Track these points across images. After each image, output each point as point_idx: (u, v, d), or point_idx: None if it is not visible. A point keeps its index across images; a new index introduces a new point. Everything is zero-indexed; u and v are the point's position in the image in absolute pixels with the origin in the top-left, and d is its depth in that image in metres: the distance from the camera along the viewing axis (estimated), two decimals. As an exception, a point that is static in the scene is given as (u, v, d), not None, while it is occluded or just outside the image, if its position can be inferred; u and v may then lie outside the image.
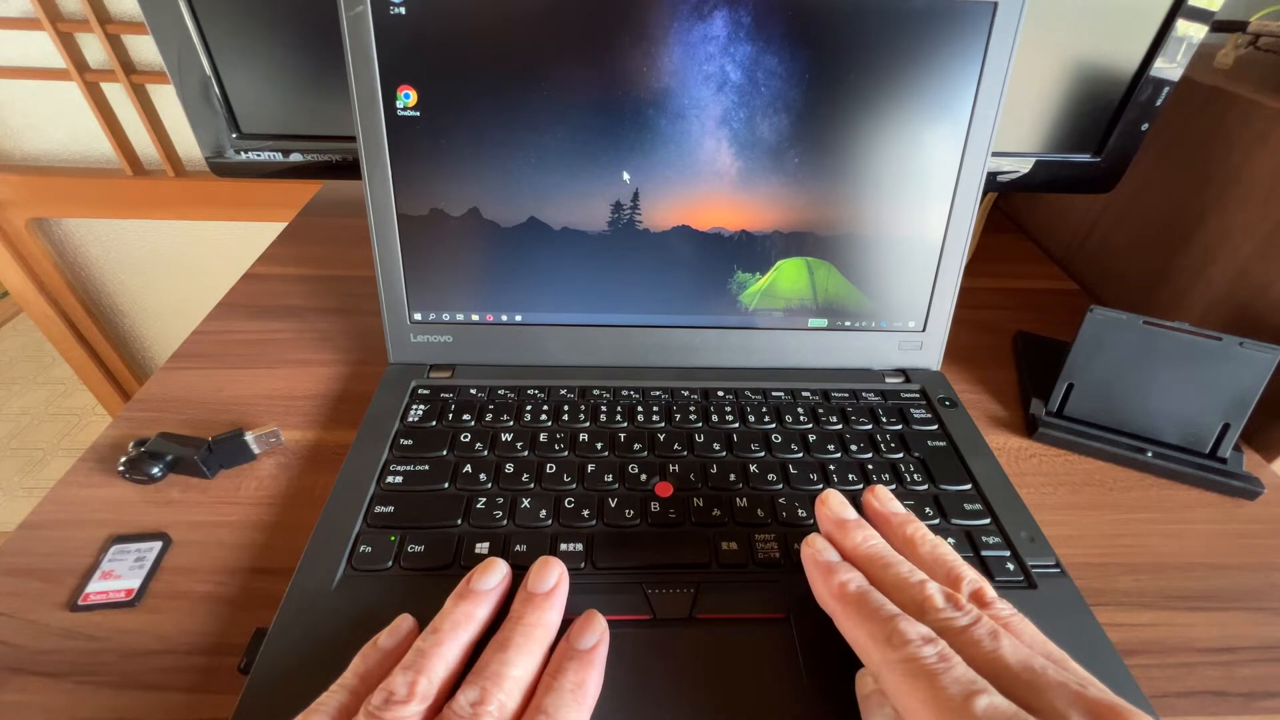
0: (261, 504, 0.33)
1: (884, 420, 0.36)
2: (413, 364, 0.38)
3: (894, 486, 0.32)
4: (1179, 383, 0.36)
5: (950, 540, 0.28)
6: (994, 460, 0.34)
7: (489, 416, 0.35)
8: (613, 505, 0.30)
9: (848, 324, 0.38)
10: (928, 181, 0.35)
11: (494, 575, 0.24)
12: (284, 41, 0.39)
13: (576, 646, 0.22)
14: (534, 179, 0.34)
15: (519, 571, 0.24)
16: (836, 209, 0.35)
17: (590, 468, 0.32)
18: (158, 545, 0.30)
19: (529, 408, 0.35)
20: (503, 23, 0.32)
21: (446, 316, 0.37)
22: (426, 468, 0.32)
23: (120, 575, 0.29)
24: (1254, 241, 0.41)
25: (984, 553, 0.29)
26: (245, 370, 0.41)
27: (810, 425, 0.35)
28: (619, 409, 0.35)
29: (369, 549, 0.28)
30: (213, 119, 0.41)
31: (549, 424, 0.34)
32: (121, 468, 0.33)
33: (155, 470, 0.33)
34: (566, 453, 0.33)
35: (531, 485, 0.31)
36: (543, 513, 0.30)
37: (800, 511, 0.30)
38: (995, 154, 0.42)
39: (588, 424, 0.34)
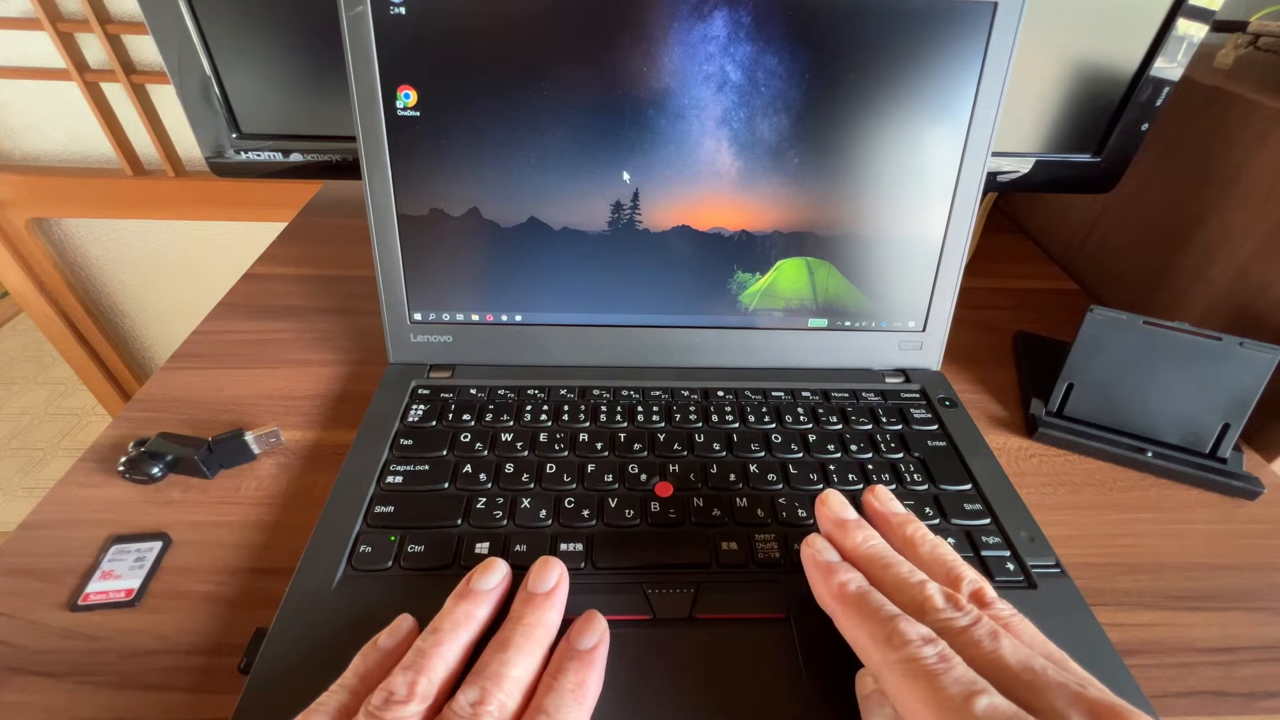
0: (261, 504, 0.33)
1: (884, 420, 0.36)
2: (413, 364, 0.38)
3: (894, 486, 0.32)
4: (1179, 383, 0.36)
5: (950, 540, 0.28)
6: (994, 460, 0.34)
7: (489, 416, 0.35)
8: (613, 505, 0.30)
9: (848, 324, 0.38)
10: (928, 181, 0.35)
11: (494, 575, 0.24)
12: (284, 41, 0.39)
13: (577, 646, 0.22)
14: (534, 179, 0.34)
15: (519, 571, 0.24)
16: (836, 209, 0.35)
17: (590, 468, 0.32)
18: (158, 545, 0.30)
19: (529, 408, 0.35)
20: (503, 23, 0.32)
21: (446, 316, 0.37)
22: (426, 468, 0.32)
23: (120, 575, 0.29)
24: (1254, 241, 0.41)
25: (984, 553, 0.29)
26: (245, 370, 0.41)
27: (810, 425, 0.35)
28: (619, 409, 0.35)
29: (369, 549, 0.28)
30: (213, 119, 0.41)
31: (549, 424, 0.34)
32: (121, 468, 0.33)
33: (155, 470, 0.33)
34: (566, 453, 0.33)
35: (531, 485, 0.31)
36: (543, 513, 0.30)
37: (800, 511, 0.30)
38: (995, 154, 0.42)
39: (588, 424, 0.34)
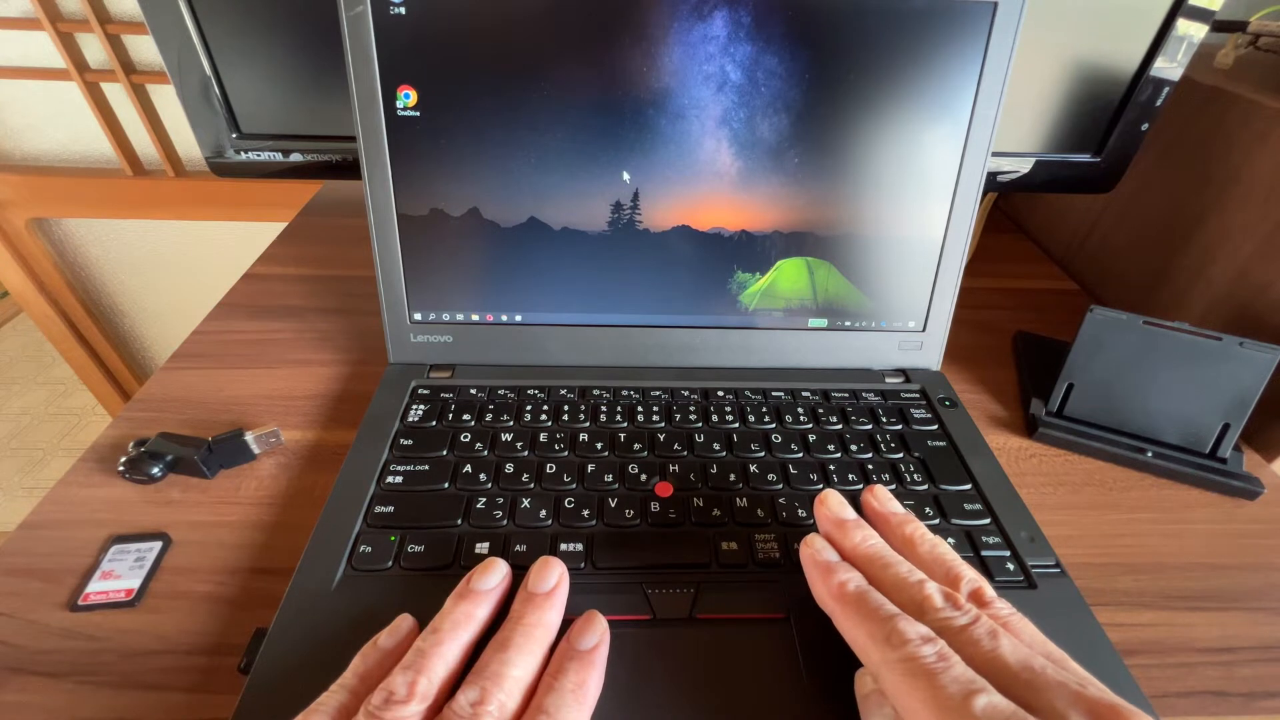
0: (261, 504, 0.33)
1: (884, 420, 0.36)
2: (413, 364, 0.38)
3: (894, 486, 0.32)
4: (1179, 383, 0.36)
5: (950, 540, 0.28)
6: (994, 460, 0.34)
7: (489, 416, 0.35)
8: (613, 505, 0.30)
9: (848, 324, 0.38)
10: (927, 181, 0.35)
11: (494, 575, 0.24)
12: (284, 41, 0.39)
13: (577, 647, 0.22)
14: (534, 179, 0.34)
15: (519, 571, 0.24)
16: (836, 209, 0.36)
17: (590, 468, 0.32)
18: (158, 545, 0.30)
19: (529, 408, 0.35)
20: (503, 23, 0.32)
21: (446, 316, 0.37)
22: (426, 468, 0.32)
23: (120, 575, 0.29)
24: (1254, 241, 0.41)
25: (984, 553, 0.29)
26: (245, 370, 0.41)
27: (810, 425, 0.35)
28: (619, 409, 0.35)
29: (369, 549, 0.28)
30: (213, 119, 0.41)
31: (549, 424, 0.34)
32: (121, 468, 0.33)
33: (155, 470, 0.33)
34: (566, 453, 0.33)
35: (531, 485, 0.31)
36: (543, 513, 0.30)
37: (800, 511, 0.30)
38: (995, 154, 0.42)
39: (588, 424, 0.34)
